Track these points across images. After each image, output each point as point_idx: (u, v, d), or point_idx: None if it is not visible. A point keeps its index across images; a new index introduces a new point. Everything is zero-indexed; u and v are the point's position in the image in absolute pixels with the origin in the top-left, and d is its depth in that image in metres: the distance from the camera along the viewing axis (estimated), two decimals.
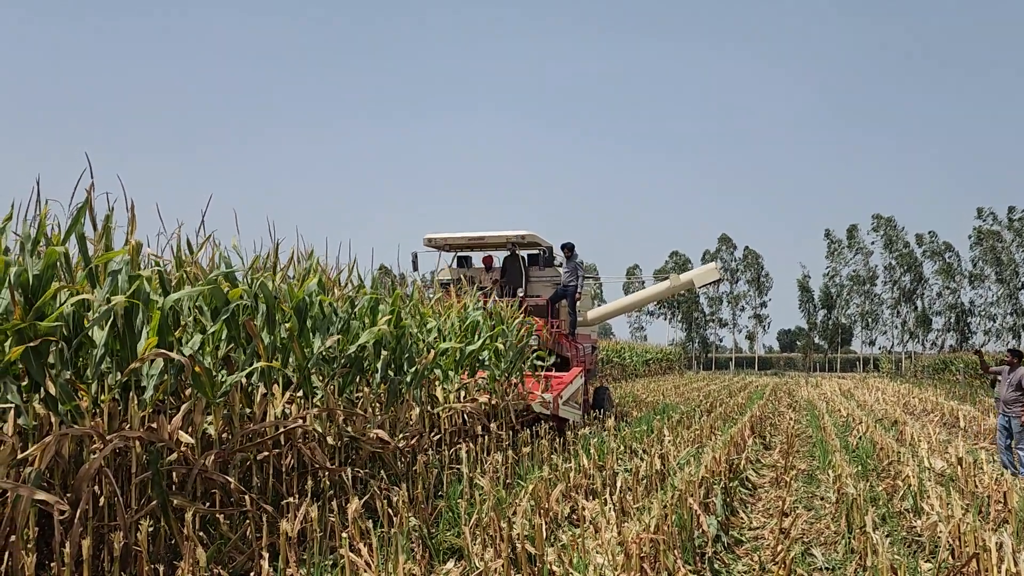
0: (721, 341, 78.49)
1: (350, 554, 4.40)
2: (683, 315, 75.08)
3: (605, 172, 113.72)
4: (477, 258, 14.24)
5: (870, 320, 63.38)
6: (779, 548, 5.51)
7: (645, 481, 7.20)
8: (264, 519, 4.73)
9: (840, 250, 65.24)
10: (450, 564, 5.30)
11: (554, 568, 4.54)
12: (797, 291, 68.22)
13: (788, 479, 8.04)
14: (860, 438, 11.67)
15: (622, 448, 9.58)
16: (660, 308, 76.85)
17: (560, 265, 13.38)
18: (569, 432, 9.93)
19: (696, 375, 46.30)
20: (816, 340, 68.98)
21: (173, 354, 4.59)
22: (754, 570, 5.45)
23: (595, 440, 8.28)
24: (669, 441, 9.26)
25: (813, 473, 9.43)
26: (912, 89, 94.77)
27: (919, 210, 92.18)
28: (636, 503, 6.47)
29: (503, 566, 4.09)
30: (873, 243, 62.62)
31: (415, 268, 13.49)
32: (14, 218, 4.28)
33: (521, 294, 12.89)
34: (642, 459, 8.43)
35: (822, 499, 7.92)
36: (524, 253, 13.68)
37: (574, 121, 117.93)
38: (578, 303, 13.34)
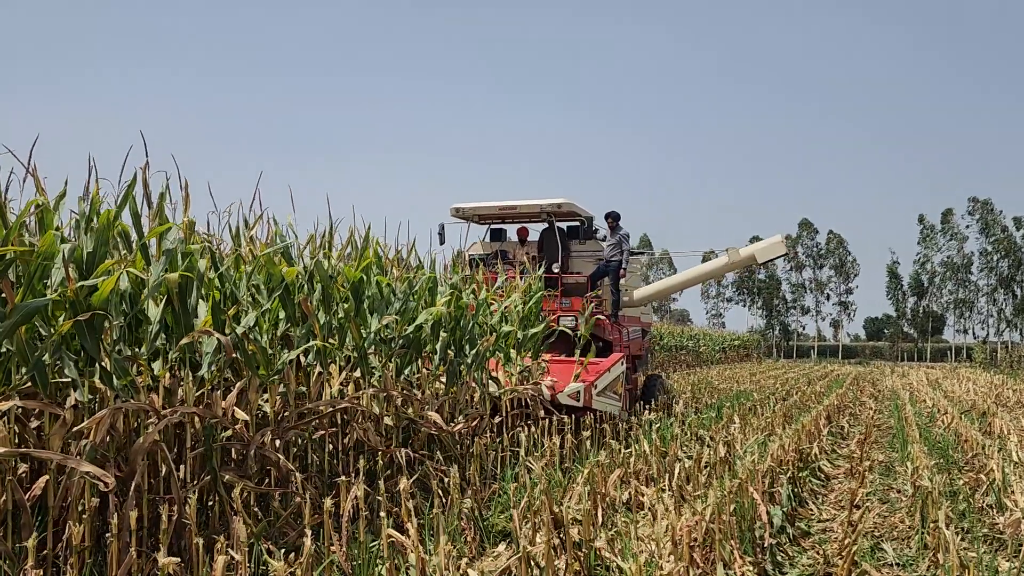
0: (803, 329, 76.36)
1: (395, 532, 4.36)
2: (763, 302, 73.27)
3: (677, 152, 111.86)
4: (513, 232, 12.95)
5: (964, 308, 60.58)
6: (846, 541, 5.22)
7: (708, 469, 6.96)
8: (308, 497, 4.73)
9: (933, 235, 62.45)
10: (501, 547, 5.23)
11: (604, 554, 4.40)
12: (886, 278, 65.66)
13: (862, 470, 7.65)
14: (945, 429, 11.08)
15: (688, 435, 9.33)
16: (739, 294, 75.22)
17: (603, 238, 12.05)
18: (607, 424, 9.16)
19: (775, 363, 45.08)
20: (905, 329, 66.29)
21: (217, 334, 4.62)
22: (818, 563, 5.19)
23: (657, 426, 8.07)
24: (736, 428, 8.96)
25: (891, 465, 8.98)
26: (1011, 63, 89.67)
27: (1018, 193, 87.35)
28: (696, 491, 6.26)
29: (548, 549, 3.97)
30: (968, 227, 59.68)
31: (441, 241, 12.21)
32: (68, 195, 4.36)
33: (557, 270, 11.57)
34: (708, 446, 8.18)
35: (899, 492, 7.52)
36: (564, 225, 12.42)
37: (644, 98, 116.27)
38: (623, 281, 12.12)
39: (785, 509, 6.26)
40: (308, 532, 4.04)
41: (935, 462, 8.08)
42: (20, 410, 4.40)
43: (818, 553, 5.43)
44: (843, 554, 4.70)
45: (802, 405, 14.03)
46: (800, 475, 7.47)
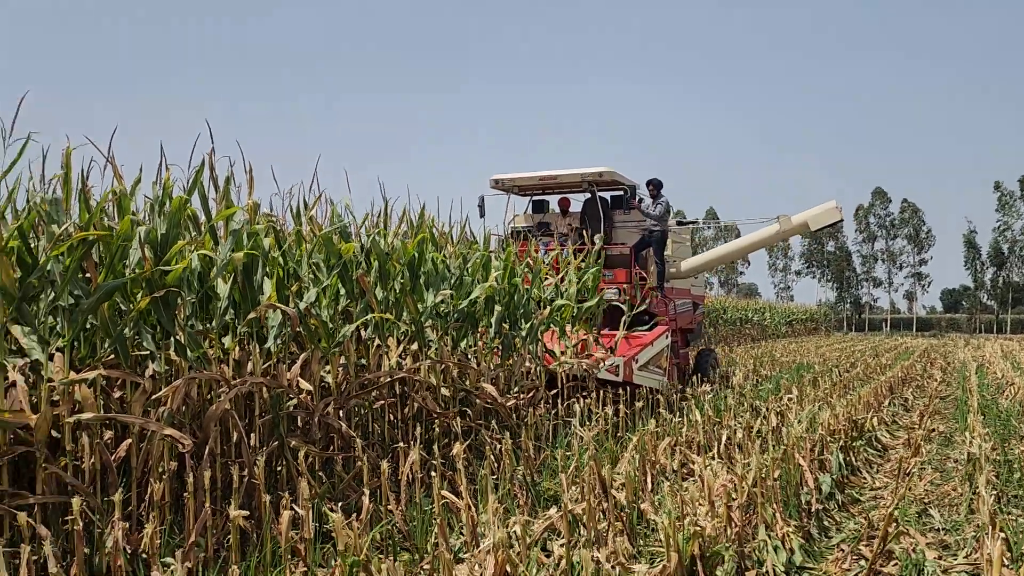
0: (876, 302, 74.34)
1: (448, 494, 4.63)
2: (833, 274, 71.53)
3: (739, 120, 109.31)
4: (556, 203, 12.61)
5: None
6: (897, 506, 5.28)
7: (760, 438, 7.05)
8: (367, 461, 5.03)
9: (1012, 202, 59.89)
10: (552, 511, 5.46)
11: (648, 515, 4.58)
12: (963, 248, 63.30)
13: (919, 440, 7.63)
14: (1011, 400, 10.83)
15: (743, 406, 9.38)
16: (808, 267, 73.55)
17: (646, 207, 11.61)
18: (661, 395, 9.01)
19: (844, 336, 44.10)
20: (984, 300, 63.93)
21: (283, 306, 4.93)
22: (864, 528, 5.26)
23: (710, 396, 8.15)
24: (790, 399, 8.97)
25: (950, 436, 8.88)
26: None
27: None
28: (746, 458, 6.36)
29: (589, 507, 4.17)
30: None
31: (482, 214, 11.90)
32: (142, 181, 4.70)
33: (598, 241, 11.04)
34: (761, 416, 8.23)
35: (956, 462, 7.47)
36: (607, 195, 12.02)
37: (707, 62, 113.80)
38: (668, 252, 11.86)
39: (835, 477, 6.32)
40: (367, 492, 4.33)
41: (990, 431, 7.97)
42: (105, 380, 4.80)
43: (865, 519, 5.50)
44: (888, 518, 4.77)
45: (864, 377, 13.85)
46: (854, 444, 7.48)
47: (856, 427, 7.88)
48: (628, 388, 8.94)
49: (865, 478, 7.01)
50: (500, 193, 12.03)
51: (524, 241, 10.06)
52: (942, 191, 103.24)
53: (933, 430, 9.18)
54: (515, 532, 3.62)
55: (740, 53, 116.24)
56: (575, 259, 9.79)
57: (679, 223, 13.13)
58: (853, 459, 7.21)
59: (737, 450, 6.37)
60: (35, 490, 4.00)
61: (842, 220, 11.99)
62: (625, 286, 10.63)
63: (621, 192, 11.75)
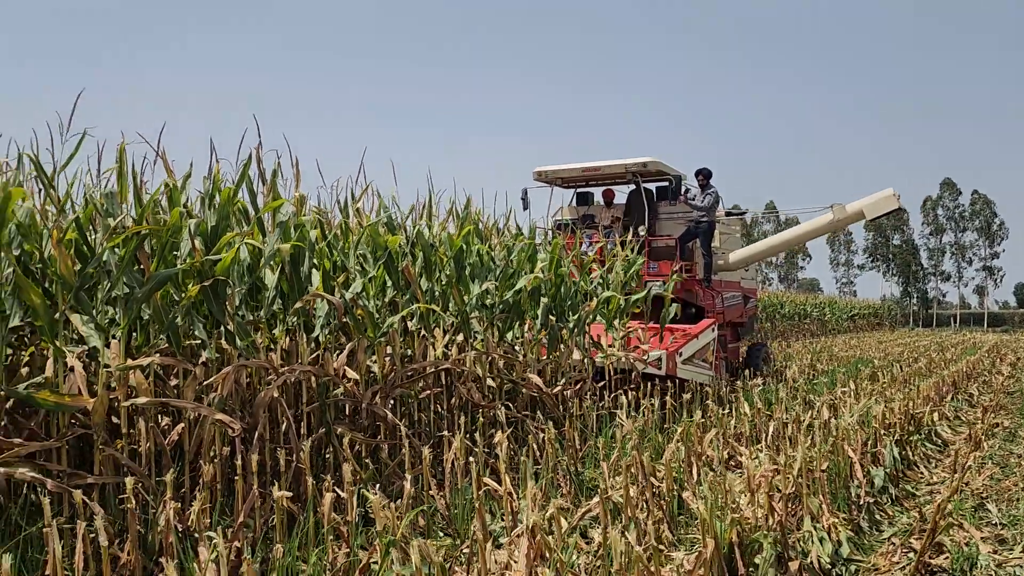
0: (944, 296, 72.05)
1: (489, 481, 4.67)
2: (898, 268, 69.54)
3: (800, 110, 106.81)
4: (600, 195, 12.35)
5: None
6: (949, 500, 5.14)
7: (811, 430, 6.92)
8: (410, 447, 5.11)
9: None
10: (595, 499, 5.46)
11: (688, 503, 4.55)
12: None
13: (980, 435, 7.38)
14: None
15: (796, 399, 9.21)
16: (872, 261, 71.61)
17: (693, 198, 11.27)
18: (709, 387, 8.91)
19: (909, 332, 42.82)
20: None
21: (328, 296, 5.03)
22: (916, 522, 5.13)
23: (759, 390, 8.02)
24: (844, 392, 8.77)
25: (1015, 431, 8.57)
26: None
27: None
28: (793, 451, 6.26)
29: (627, 495, 4.17)
30: None
31: (525, 207, 11.74)
32: (193, 175, 4.85)
33: (643, 232, 10.86)
34: (813, 409, 8.08)
35: (1019, 457, 7.21)
36: (652, 186, 11.77)
37: (766, 50, 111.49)
38: (716, 243, 11.52)
39: (888, 470, 6.17)
40: (408, 478, 4.40)
41: None
42: (161, 368, 4.99)
43: (918, 513, 5.36)
44: (938, 511, 4.64)
45: (927, 372, 13.44)
46: (911, 439, 7.29)
47: (913, 421, 7.66)
48: (675, 381, 8.84)
49: (922, 473, 6.83)
50: (543, 185, 11.91)
51: (572, 234, 10.03)
52: (1016, 182, 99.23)
53: (996, 425, 8.87)
54: (550, 515, 3.64)
55: (801, 41, 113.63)
56: (620, 251, 9.71)
57: (728, 214, 12.69)
58: (910, 453, 7.03)
59: (787, 443, 6.26)
60: (93, 470, 4.18)
61: (900, 208, 11.46)
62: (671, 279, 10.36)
63: (666, 183, 11.47)
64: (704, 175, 11.24)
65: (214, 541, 3.05)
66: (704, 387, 8.74)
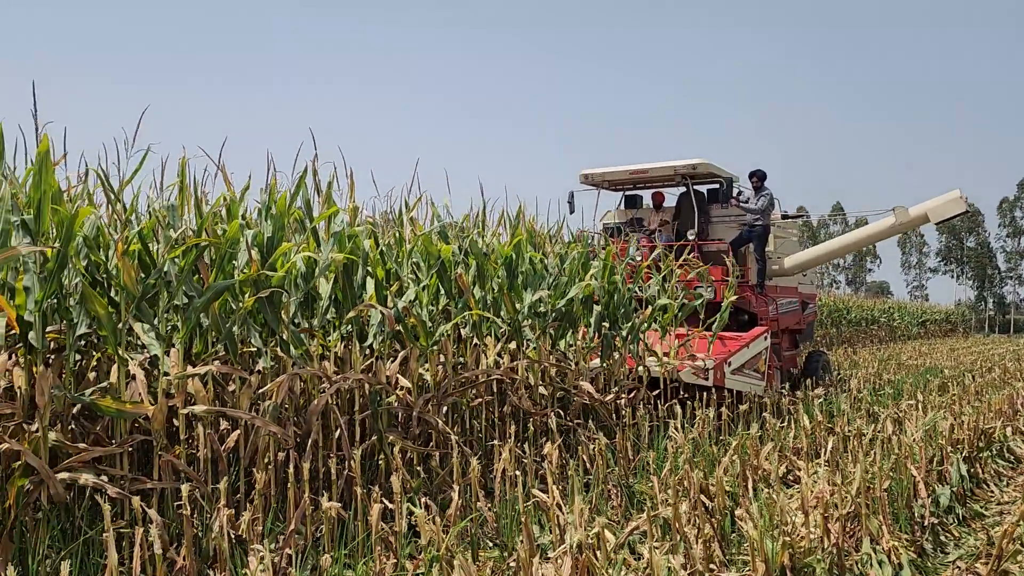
0: (1022, 301, 69.15)
1: (538, 492, 4.66)
2: (973, 272, 67.07)
3: (872, 112, 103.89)
4: (649, 197, 12.03)
5: None
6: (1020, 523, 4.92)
7: (874, 445, 6.71)
8: (460, 457, 5.12)
9: None
10: (643, 516, 5.40)
11: (739, 523, 4.46)
12: None
13: None
14: None
15: (859, 411, 8.96)
16: (945, 264, 69.23)
17: (747, 200, 10.88)
18: (769, 399, 8.58)
19: (984, 338, 41.21)
20: None
21: (378, 306, 5.09)
22: (984, 545, 4.93)
23: (819, 401, 7.80)
24: (911, 405, 8.48)
25: None
26: None
27: None
28: (854, 468, 6.08)
29: (676, 512, 4.11)
30: None
31: (571, 210, 11.46)
32: (251, 187, 4.97)
33: (692, 236, 10.57)
34: (879, 423, 7.84)
35: None
36: (703, 189, 11.40)
37: (835, 48, 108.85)
38: (771, 248, 11.12)
39: (955, 489, 5.94)
40: (456, 488, 4.42)
41: None
42: (222, 375, 5.12)
43: (985, 535, 5.15)
44: (1005, 534, 4.44)
45: (1001, 383, 12.91)
46: (981, 455, 7.01)
47: (984, 436, 7.36)
48: (728, 391, 8.58)
49: (992, 491, 6.55)
50: (590, 188, 11.58)
51: (620, 239, 9.84)
52: None
53: None
54: (597, 533, 3.60)
55: (872, 38, 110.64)
56: (669, 256, 9.44)
57: (784, 216, 12.23)
58: (979, 471, 6.76)
59: (848, 458, 6.09)
60: (152, 476, 4.31)
61: (967, 211, 10.90)
62: (724, 283, 9.99)
63: (717, 185, 11.05)
64: (758, 177, 10.89)
65: (260, 553, 3.10)
66: (760, 398, 8.55)
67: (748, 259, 10.95)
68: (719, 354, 8.85)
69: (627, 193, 12.13)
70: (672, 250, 10.01)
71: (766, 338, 9.95)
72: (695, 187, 11.16)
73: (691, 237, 10.52)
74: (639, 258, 9.66)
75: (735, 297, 9.55)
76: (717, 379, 8.58)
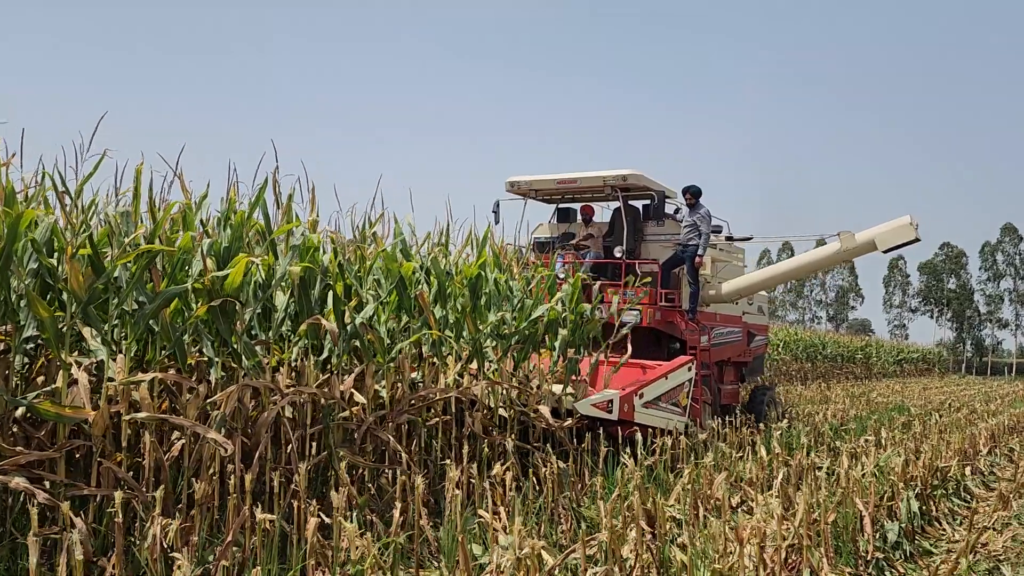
0: (1000, 344, 69.83)
1: (484, 513, 4.65)
2: (953, 313, 67.67)
3: (857, 147, 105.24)
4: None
5: None
6: (960, 561, 4.95)
7: (826, 479, 6.74)
8: (403, 475, 5.10)
9: None
10: (578, 541, 5.38)
11: (677, 553, 4.46)
12: None
13: (1007, 492, 7.10)
14: None
15: (820, 446, 9.00)
16: (925, 304, 69.80)
17: (681, 218, 10.07)
18: (723, 429, 8.11)
19: (959, 379, 41.52)
20: None
21: (325, 321, 5.09)
22: None
23: (779, 434, 7.83)
24: (868, 441, 8.52)
25: None
26: None
27: None
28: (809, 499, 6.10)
29: (611, 536, 4.11)
30: None
31: (496, 220, 10.64)
32: (211, 196, 4.98)
33: (619, 254, 9.88)
34: (835, 457, 7.88)
35: None
36: (639, 205, 10.62)
37: (819, 81, 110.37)
38: (706, 271, 10.37)
39: (904, 525, 5.97)
40: (398, 505, 4.39)
41: None
42: (173, 384, 5.08)
43: (927, 572, 5.17)
44: (948, 572, 4.47)
45: (967, 423, 13.00)
46: (935, 493, 7.05)
47: (939, 474, 7.41)
48: (617, 430, 7.77)
49: (944, 529, 6.58)
50: (517, 197, 10.81)
51: (550, 254, 9.39)
52: None
53: None
54: (528, 554, 3.60)
55: (858, 73, 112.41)
56: (582, 274, 8.70)
57: (728, 239, 11.33)
58: (933, 508, 6.80)
59: (795, 490, 6.11)
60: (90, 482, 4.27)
61: (918, 240, 9.87)
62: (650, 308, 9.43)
63: (649, 199, 10.34)
64: (692, 193, 9.99)
65: (178, 562, 3.07)
66: (724, 429, 8.51)
67: (681, 282, 10.26)
68: (629, 385, 8.00)
69: (560, 206, 11.46)
70: (588, 268, 9.48)
71: (691, 368, 9.01)
72: (631, 202, 10.48)
73: (618, 255, 9.93)
74: (563, 276, 9.11)
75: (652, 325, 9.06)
76: (624, 413, 7.64)
